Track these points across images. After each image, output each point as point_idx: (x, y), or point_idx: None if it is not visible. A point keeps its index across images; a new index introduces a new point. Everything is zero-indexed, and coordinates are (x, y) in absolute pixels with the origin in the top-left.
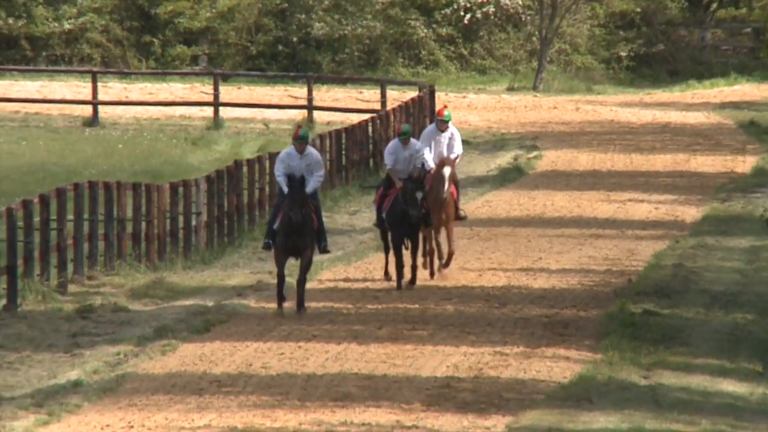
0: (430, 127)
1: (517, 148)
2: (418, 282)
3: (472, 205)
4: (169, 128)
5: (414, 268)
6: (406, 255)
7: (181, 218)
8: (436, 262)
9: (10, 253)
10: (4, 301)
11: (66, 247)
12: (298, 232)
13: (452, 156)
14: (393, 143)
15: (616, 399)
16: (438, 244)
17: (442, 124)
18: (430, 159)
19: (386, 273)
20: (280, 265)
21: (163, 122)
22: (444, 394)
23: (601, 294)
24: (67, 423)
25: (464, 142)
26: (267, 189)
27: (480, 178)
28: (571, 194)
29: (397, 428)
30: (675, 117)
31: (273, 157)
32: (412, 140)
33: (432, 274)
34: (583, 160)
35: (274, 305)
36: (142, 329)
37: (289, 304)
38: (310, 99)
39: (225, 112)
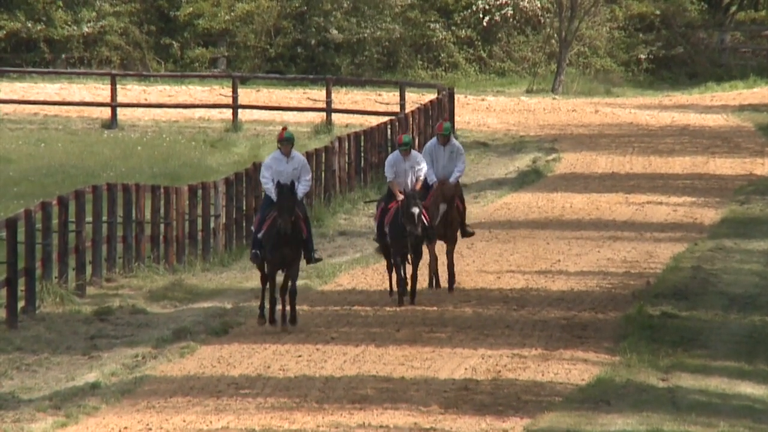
0: (431, 142)
1: (536, 150)
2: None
3: (491, 207)
4: (188, 130)
5: (414, 278)
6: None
7: (199, 220)
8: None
9: (29, 256)
10: (22, 304)
11: (84, 249)
12: (287, 242)
13: (455, 173)
14: (393, 155)
15: (634, 401)
16: (433, 266)
17: (442, 138)
18: (432, 174)
19: (391, 291)
20: (271, 280)
21: (182, 124)
22: (462, 397)
23: (619, 296)
24: (85, 425)
25: (483, 145)
26: None
27: (498, 180)
28: (589, 196)
29: (414, 430)
30: (694, 119)
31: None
32: (413, 152)
33: (436, 285)
34: (602, 162)
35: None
36: (161, 331)
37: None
38: (328, 101)
39: (244, 115)
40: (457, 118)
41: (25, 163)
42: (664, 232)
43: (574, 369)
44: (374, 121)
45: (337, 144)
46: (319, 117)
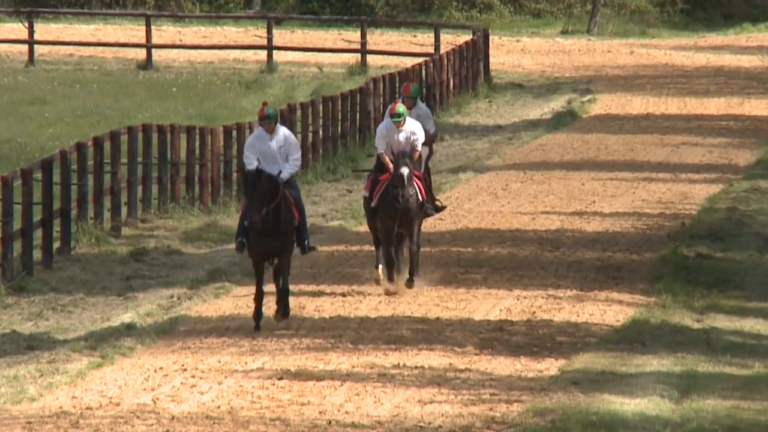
0: (386, 122)
1: (571, 91)
2: (466, 225)
3: (526, 148)
4: (223, 72)
5: (412, 261)
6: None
7: (234, 161)
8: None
9: (64, 197)
10: (57, 244)
11: (120, 190)
12: (272, 231)
13: (418, 142)
14: (384, 124)
15: (669, 342)
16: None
17: (409, 101)
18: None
19: (377, 266)
20: (259, 273)
21: (217, 66)
22: (497, 338)
23: (654, 237)
24: (120, 366)
25: (518, 86)
26: (321, 133)
27: (533, 121)
28: (624, 138)
29: (449, 371)
30: (729, 60)
31: (327, 100)
32: (409, 120)
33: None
34: (637, 103)
35: (327, 248)
36: (196, 272)
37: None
38: (363, 43)
39: (278, 56)
40: (491, 60)
41: (60, 105)
42: (699, 173)
43: (608, 310)
44: (409, 62)
45: (371, 85)
46: (353, 58)
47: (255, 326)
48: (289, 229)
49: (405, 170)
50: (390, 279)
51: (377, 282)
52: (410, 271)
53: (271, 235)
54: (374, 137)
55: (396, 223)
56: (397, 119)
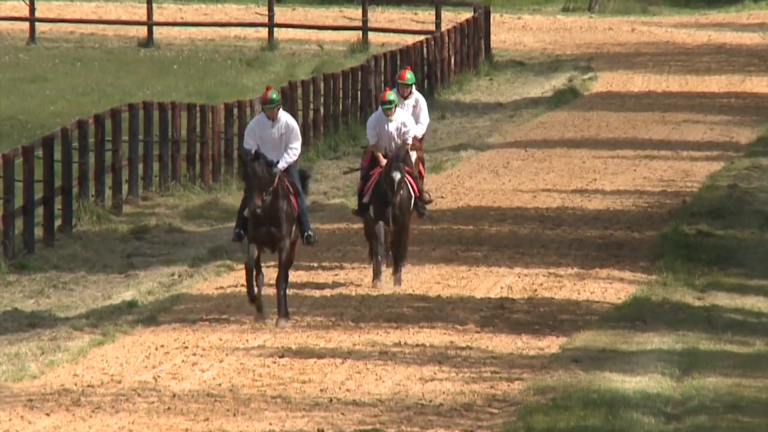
0: (376, 114)
1: (572, 69)
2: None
3: (526, 126)
4: (224, 49)
5: (398, 260)
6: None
7: (235, 139)
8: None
9: (65, 174)
10: (59, 222)
11: (121, 167)
12: (270, 220)
13: (417, 132)
14: (376, 115)
15: (670, 320)
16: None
17: (405, 89)
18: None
19: (371, 257)
20: (255, 266)
21: (218, 43)
22: (498, 315)
23: (655, 215)
24: (121, 343)
25: (519, 64)
26: (322, 110)
27: (534, 99)
28: (625, 115)
29: (450, 349)
30: (730, 38)
31: (328, 78)
32: (399, 111)
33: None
34: (638, 81)
35: (328, 225)
36: (197, 250)
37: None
38: (364, 20)
39: (279, 33)
40: (492, 37)
41: (61, 82)
42: (700, 150)
43: (610, 288)
44: (410, 39)
45: (372, 63)
46: (355, 36)
47: (256, 307)
48: (287, 219)
49: (397, 175)
50: (377, 275)
51: (374, 287)
52: (394, 270)
53: (269, 224)
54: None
55: (388, 219)
56: (388, 106)
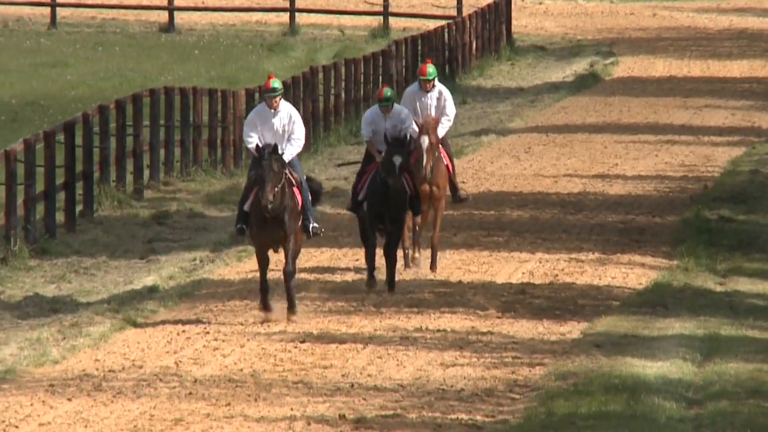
0: (412, 88)
1: (594, 54)
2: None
3: (548, 111)
4: (245, 34)
5: (392, 264)
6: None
7: None
8: (417, 255)
9: (87, 159)
10: (80, 207)
11: (142, 152)
12: (274, 217)
13: (443, 122)
14: (371, 111)
15: (692, 305)
16: (418, 236)
17: (426, 84)
18: (415, 126)
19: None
20: (261, 263)
21: (239, 28)
22: (519, 301)
23: (676, 200)
24: (143, 328)
25: (540, 49)
26: (343, 95)
27: (556, 84)
28: (647, 100)
29: (472, 334)
30: (752, 23)
31: (349, 63)
32: (396, 107)
33: (407, 265)
34: (660, 66)
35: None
36: (218, 235)
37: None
38: (386, 5)
39: (301, 19)
40: (514, 22)
41: (82, 67)
42: (721, 135)
43: (631, 273)
44: (431, 24)
45: (394, 48)
46: (376, 21)
47: (265, 306)
48: (292, 214)
49: (398, 159)
50: (371, 277)
51: (368, 287)
52: (388, 275)
53: (275, 221)
54: (396, 100)
55: (383, 216)
56: (385, 104)
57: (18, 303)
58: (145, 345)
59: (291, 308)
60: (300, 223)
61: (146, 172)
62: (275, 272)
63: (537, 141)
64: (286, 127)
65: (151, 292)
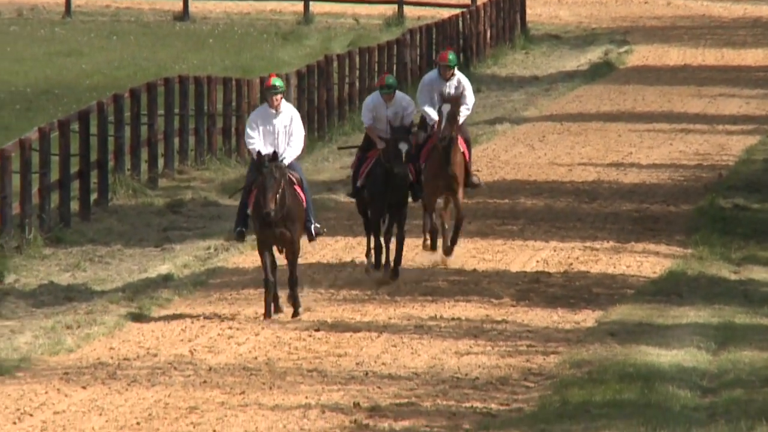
0: (431, 74)
1: (608, 42)
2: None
3: (562, 99)
4: (260, 23)
5: (399, 252)
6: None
7: None
8: (439, 241)
9: (101, 148)
10: (95, 196)
11: (156, 141)
12: (281, 221)
13: (462, 111)
14: (372, 97)
15: (706, 294)
16: (440, 220)
17: (446, 71)
18: (432, 112)
19: (368, 258)
20: (265, 264)
21: (254, 17)
22: (533, 289)
23: (691, 189)
24: (157, 317)
25: (555, 37)
26: (357, 84)
27: (570, 72)
28: (661, 89)
29: (486, 323)
30: (767, 11)
31: (363, 52)
32: (399, 94)
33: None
34: (674, 54)
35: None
36: (233, 224)
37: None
38: None
39: (315, 7)
40: (528, 11)
41: (97, 56)
42: (736, 124)
43: (645, 262)
44: (446, 13)
45: (408, 37)
46: (390, 9)
47: (266, 311)
48: (296, 216)
49: (404, 146)
50: (377, 266)
51: (367, 272)
52: (395, 261)
53: (278, 224)
54: (410, 89)
55: (384, 205)
56: (387, 91)
57: (33, 291)
58: (160, 333)
59: (296, 312)
60: (299, 225)
61: (161, 161)
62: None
63: (551, 130)
64: (287, 128)
65: (166, 280)
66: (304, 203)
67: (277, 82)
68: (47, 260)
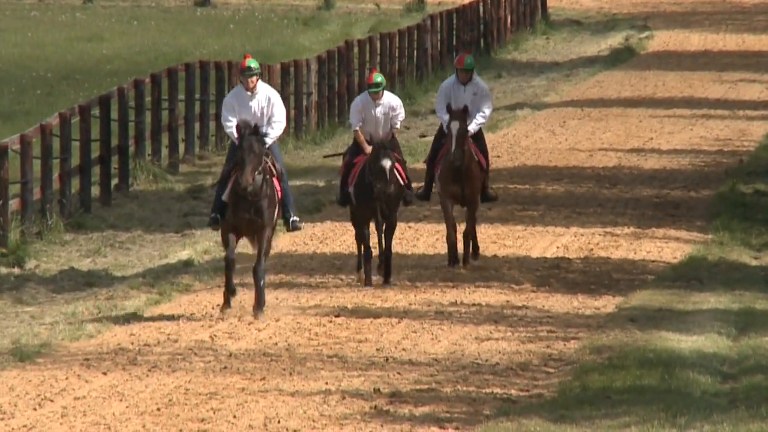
0: (448, 81)
1: (629, 28)
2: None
3: (583, 85)
4: (281, 8)
5: (388, 257)
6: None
7: (292, 98)
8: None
9: (122, 133)
10: (115, 181)
11: (177, 127)
12: (252, 204)
13: (477, 119)
14: (361, 97)
15: (727, 279)
16: (452, 237)
17: (463, 75)
18: (443, 112)
19: (359, 268)
20: (229, 252)
21: (274, 2)
22: (554, 275)
23: (711, 174)
24: (177, 302)
25: (575, 23)
26: (378, 69)
27: (591, 58)
28: (682, 74)
29: (506, 308)
30: None
31: (384, 37)
32: (387, 94)
33: (464, 261)
34: (695, 40)
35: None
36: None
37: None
38: None
39: None
40: None
41: (118, 42)
42: (757, 110)
43: (666, 247)
44: None
45: (429, 22)
46: None
47: (223, 307)
48: (270, 205)
49: (387, 162)
50: (367, 273)
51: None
52: (384, 275)
53: (252, 208)
54: (431, 74)
55: (373, 212)
56: (375, 89)
57: (53, 277)
58: (180, 319)
59: (259, 306)
60: (276, 217)
61: (181, 146)
62: (247, 268)
63: (572, 115)
64: (265, 110)
65: (186, 266)
66: (280, 195)
67: (252, 63)
68: (68, 246)
